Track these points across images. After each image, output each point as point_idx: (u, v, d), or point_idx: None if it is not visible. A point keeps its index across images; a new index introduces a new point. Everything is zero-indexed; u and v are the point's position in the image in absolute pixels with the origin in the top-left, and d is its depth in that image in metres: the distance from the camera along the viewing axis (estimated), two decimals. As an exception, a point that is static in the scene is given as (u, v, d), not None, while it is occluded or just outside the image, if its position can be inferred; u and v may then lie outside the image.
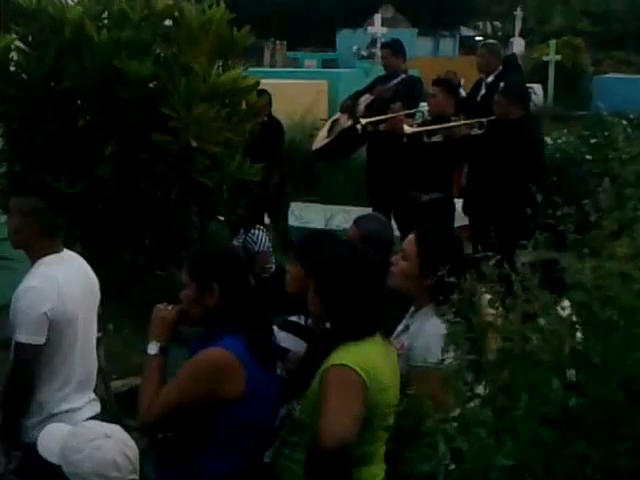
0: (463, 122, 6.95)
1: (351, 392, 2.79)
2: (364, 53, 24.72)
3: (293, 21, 35.45)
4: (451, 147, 6.84)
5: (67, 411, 3.45)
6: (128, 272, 6.14)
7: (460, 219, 7.21)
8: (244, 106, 6.36)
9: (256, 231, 6.74)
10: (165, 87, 5.87)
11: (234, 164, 6.21)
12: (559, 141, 10.23)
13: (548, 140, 9.46)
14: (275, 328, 3.15)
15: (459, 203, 7.22)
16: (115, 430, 2.51)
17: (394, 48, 8.19)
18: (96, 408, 3.62)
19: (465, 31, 39.40)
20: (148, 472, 2.87)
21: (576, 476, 2.37)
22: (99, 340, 3.74)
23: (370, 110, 7.68)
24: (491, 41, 9.58)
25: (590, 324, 2.51)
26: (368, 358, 2.85)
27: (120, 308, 5.82)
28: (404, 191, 7.08)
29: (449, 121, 6.95)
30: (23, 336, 3.32)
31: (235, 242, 6.73)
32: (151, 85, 5.97)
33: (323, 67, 24.58)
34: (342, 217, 7.82)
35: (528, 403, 2.42)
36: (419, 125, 7.13)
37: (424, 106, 7.44)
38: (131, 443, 2.52)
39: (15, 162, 6.15)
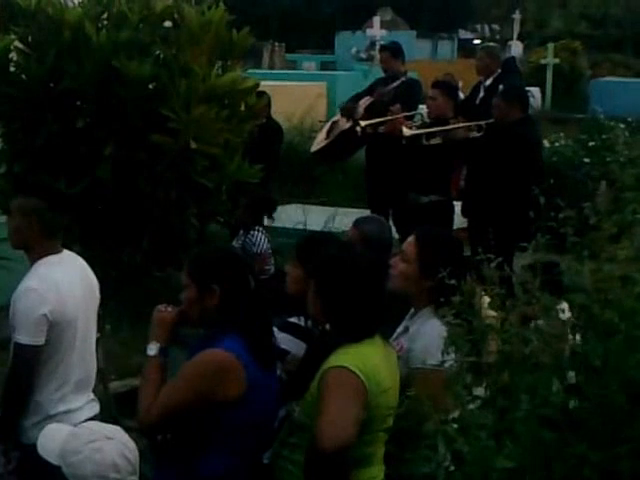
0: (462, 125, 6.96)
1: (350, 394, 2.79)
2: (363, 55, 24.75)
3: (292, 23, 35.48)
4: (450, 149, 6.85)
5: (65, 412, 3.44)
6: (127, 273, 6.15)
7: (459, 221, 7.22)
8: (243, 108, 6.37)
9: (255, 232, 6.73)
10: (164, 88, 5.88)
11: (233, 165, 6.22)
12: (556, 144, 10.24)
13: (545, 143, 9.47)
14: (275, 329, 3.15)
15: (458, 206, 7.23)
16: (116, 431, 2.51)
17: (393, 51, 8.21)
18: (95, 409, 3.62)
19: (463, 34, 39.46)
20: (147, 473, 2.86)
21: (576, 478, 2.38)
22: (97, 340, 3.74)
23: (369, 112, 7.68)
24: (490, 44, 9.58)
25: (590, 326, 2.51)
26: (367, 360, 2.85)
27: (118, 309, 5.81)
28: (403, 193, 7.09)
29: (448, 124, 6.96)
30: (22, 337, 3.32)
31: (234, 243, 6.73)
32: (150, 86, 5.98)
33: (322, 69, 24.62)
34: (341, 219, 7.82)
35: (528, 405, 2.42)
36: (418, 127, 7.13)
37: (423, 109, 7.45)
38: (131, 445, 2.51)
39: (14, 162, 6.15)
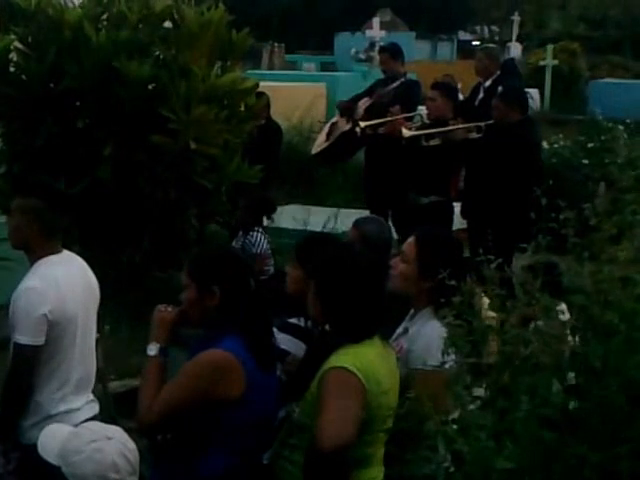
0: (461, 126, 6.96)
1: (350, 394, 2.79)
2: (362, 56, 24.71)
3: (292, 24, 35.50)
4: (449, 150, 6.85)
5: (65, 412, 3.44)
6: (126, 273, 6.15)
7: (458, 222, 7.22)
8: (243, 108, 6.38)
9: (254, 233, 6.73)
10: (164, 89, 5.88)
11: (233, 166, 6.23)
12: (555, 146, 10.25)
13: (544, 144, 9.47)
14: (275, 330, 3.15)
15: (457, 206, 7.23)
16: (116, 432, 2.51)
17: (392, 52, 8.21)
18: (95, 409, 3.62)
19: (463, 35, 39.52)
20: (146, 473, 2.86)
21: (576, 478, 2.38)
22: (97, 341, 3.74)
23: (369, 113, 7.69)
24: (490, 45, 9.60)
25: (590, 328, 2.51)
26: (367, 361, 2.85)
27: (118, 309, 5.81)
28: (402, 194, 7.10)
29: (447, 125, 6.96)
30: (22, 337, 3.32)
31: (234, 244, 6.73)
32: (150, 87, 5.98)
33: (321, 70, 24.62)
34: (340, 220, 7.82)
35: (528, 406, 2.42)
36: (417, 128, 7.14)
37: (422, 110, 7.45)
38: (131, 445, 2.51)
39: (14, 163, 6.15)
